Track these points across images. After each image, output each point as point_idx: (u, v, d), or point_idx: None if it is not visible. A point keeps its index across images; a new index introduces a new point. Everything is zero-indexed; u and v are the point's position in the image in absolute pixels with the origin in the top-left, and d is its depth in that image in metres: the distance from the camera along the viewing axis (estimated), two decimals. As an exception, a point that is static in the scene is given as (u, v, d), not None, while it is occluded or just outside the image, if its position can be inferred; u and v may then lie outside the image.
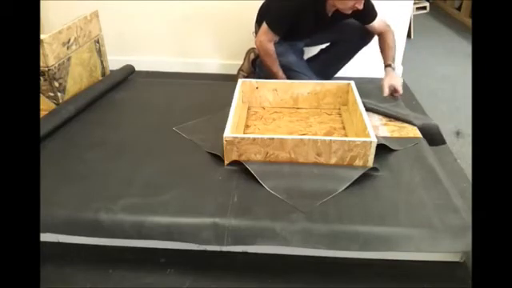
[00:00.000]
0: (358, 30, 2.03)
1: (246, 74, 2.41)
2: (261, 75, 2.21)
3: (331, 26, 2.00)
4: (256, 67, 2.34)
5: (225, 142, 1.36)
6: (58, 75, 1.71)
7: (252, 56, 2.40)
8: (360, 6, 1.74)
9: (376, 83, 1.93)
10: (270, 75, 2.01)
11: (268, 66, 2.00)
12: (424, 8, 3.92)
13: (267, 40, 1.92)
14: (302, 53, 2.21)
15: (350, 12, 1.80)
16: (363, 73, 2.44)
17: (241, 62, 2.56)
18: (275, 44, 1.98)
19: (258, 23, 2.07)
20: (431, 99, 2.35)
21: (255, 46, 2.13)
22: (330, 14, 1.90)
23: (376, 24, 1.94)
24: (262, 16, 2.04)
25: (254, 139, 1.35)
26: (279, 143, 1.35)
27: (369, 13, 1.90)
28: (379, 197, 1.28)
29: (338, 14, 1.89)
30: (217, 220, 1.18)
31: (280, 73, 2.00)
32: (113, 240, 1.25)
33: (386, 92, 1.81)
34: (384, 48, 1.96)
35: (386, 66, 1.93)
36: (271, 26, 1.89)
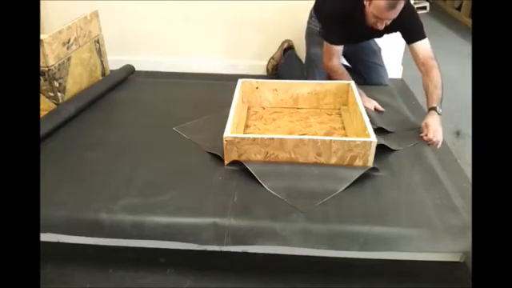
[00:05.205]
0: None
1: (275, 63, 2.48)
2: (284, 66, 2.40)
3: (374, 34, 1.94)
4: (283, 58, 2.44)
5: (225, 141, 1.36)
6: (58, 75, 1.71)
7: (285, 45, 2.48)
8: (380, 27, 1.69)
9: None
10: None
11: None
12: (424, 8, 3.91)
13: (327, 59, 1.88)
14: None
15: (378, 27, 1.71)
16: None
17: (240, 62, 2.61)
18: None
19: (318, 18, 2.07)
20: (431, 99, 2.34)
21: (289, 39, 2.44)
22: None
23: (420, 46, 1.76)
24: (317, 11, 2.08)
25: (254, 139, 1.35)
26: (279, 143, 1.35)
27: (414, 30, 1.79)
28: (379, 197, 1.28)
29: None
30: (217, 220, 1.18)
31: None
32: (113, 240, 1.25)
33: (428, 136, 1.53)
34: (428, 85, 1.69)
35: (431, 108, 1.62)
36: (327, 39, 1.87)
